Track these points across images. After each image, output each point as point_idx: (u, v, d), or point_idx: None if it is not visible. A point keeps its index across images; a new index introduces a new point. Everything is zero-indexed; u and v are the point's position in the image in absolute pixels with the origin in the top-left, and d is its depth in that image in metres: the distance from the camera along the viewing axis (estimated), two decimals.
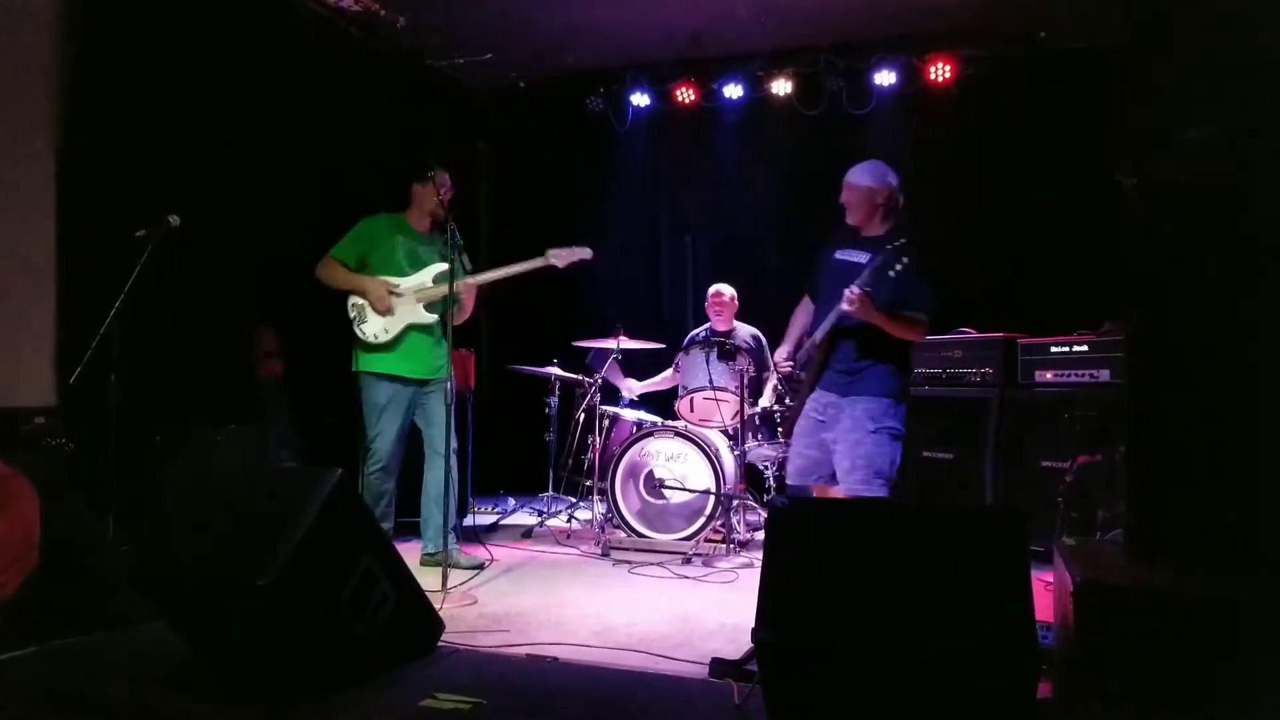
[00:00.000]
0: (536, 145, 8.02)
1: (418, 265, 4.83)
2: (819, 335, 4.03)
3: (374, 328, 4.73)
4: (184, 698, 2.76)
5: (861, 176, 4.07)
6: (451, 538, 4.72)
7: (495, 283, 4.93)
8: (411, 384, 4.80)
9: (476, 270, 4.88)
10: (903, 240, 3.79)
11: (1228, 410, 2.18)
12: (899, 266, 3.76)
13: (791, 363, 4.28)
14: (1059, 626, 2.73)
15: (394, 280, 4.75)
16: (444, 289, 4.61)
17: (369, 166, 5.24)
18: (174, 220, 4.03)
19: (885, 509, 3.15)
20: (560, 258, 4.82)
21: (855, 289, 3.74)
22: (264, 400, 5.44)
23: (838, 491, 3.99)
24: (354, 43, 6.41)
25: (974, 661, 2.05)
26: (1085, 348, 4.99)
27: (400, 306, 4.75)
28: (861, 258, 3.92)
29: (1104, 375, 4.93)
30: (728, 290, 6.36)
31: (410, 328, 4.75)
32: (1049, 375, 5.09)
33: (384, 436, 4.75)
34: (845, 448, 3.93)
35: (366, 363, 4.77)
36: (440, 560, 4.44)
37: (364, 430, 4.80)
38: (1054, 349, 5.08)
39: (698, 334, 6.37)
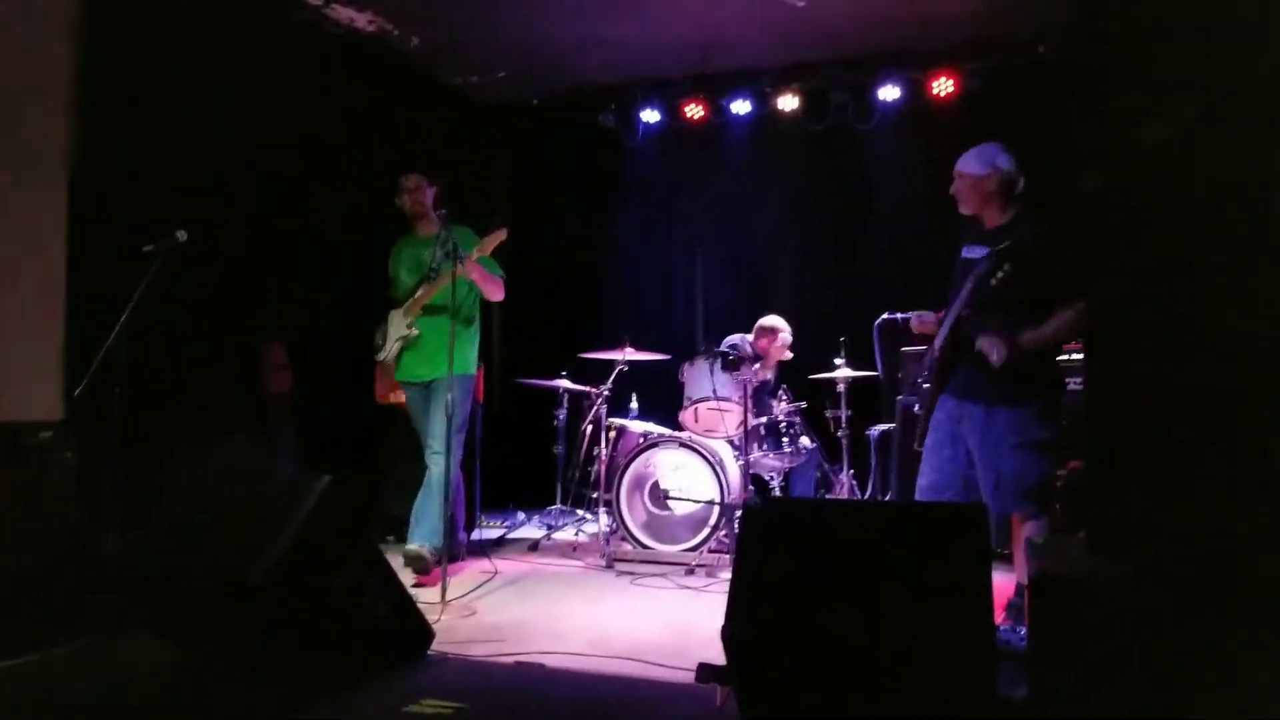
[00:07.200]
0: (550, 160, 8.14)
1: (419, 269, 4.97)
2: (938, 342, 3.70)
3: (381, 353, 5.00)
4: (174, 704, 2.82)
5: (967, 163, 3.74)
6: (427, 548, 4.68)
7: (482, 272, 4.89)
8: (414, 388, 4.97)
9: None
10: (1005, 244, 3.49)
11: (1182, 404, 2.21)
12: (1003, 272, 3.41)
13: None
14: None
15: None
16: (423, 299, 4.85)
17: (383, 182, 5.31)
18: (182, 235, 4.06)
19: (853, 507, 3.16)
20: (484, 246, 4.78)
21: (993, 350, 3.42)
22: (271, 414, 5.52)
23: None
24: (369, 61, 6.51)
25: (932, 653, 2.08)
26: (1081, 356, 4.98)
27: (391, 325, 4.98)
28: (983, 252, 3.62)
29: None
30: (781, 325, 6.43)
31: (400, 341, 4.94)
32: None
33: (421, 438, 4.95)
34: (987, 464, 3.56)
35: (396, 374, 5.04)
36: (414, 555, 4.62)
37: None
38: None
39: (740, 342, 6.41)
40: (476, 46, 6.69)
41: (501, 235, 4.78)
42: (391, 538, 5.40)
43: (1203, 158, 2.19)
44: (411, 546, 4.69)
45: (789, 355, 6.43)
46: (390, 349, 4.95)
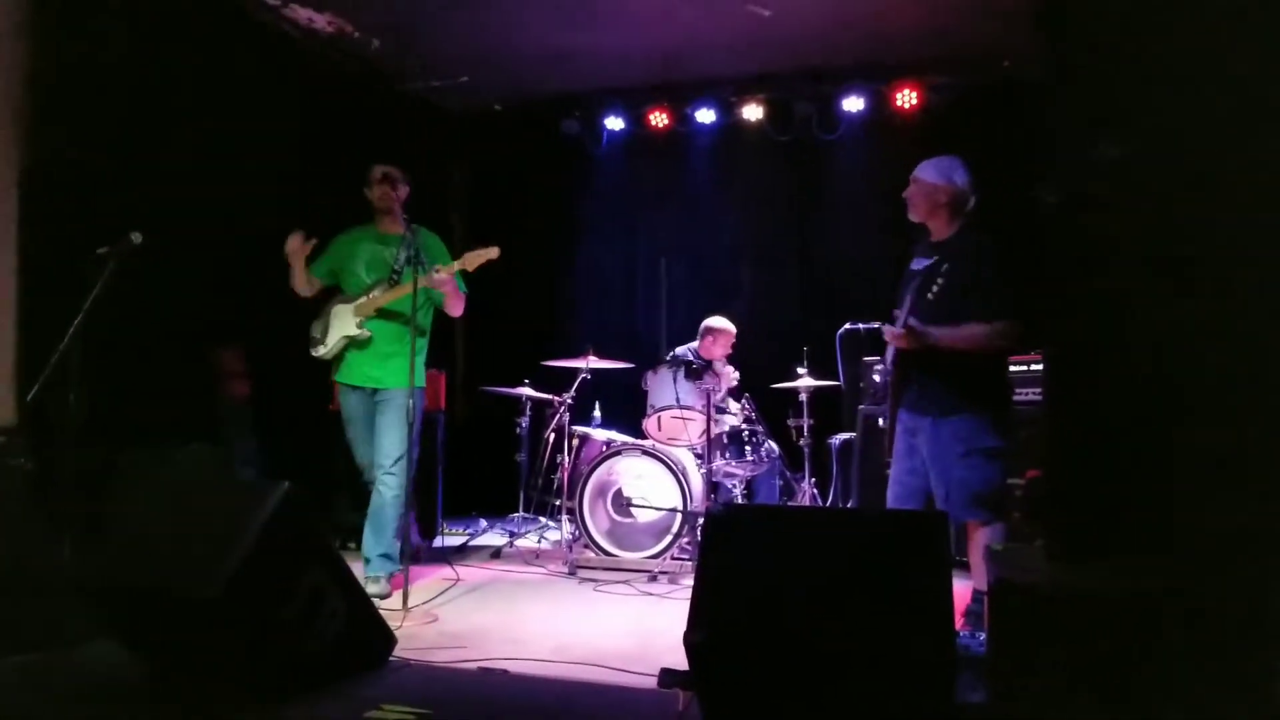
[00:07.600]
0: (512, 166, 8.11)
1: (379, 268, 4.75)
2: (889, 358, 3.75)
3: (320, 348, 4.77)
4: (132, 714, 2.79)
5: (925, 170, 3.78)
6: (384, 577, 4.54)
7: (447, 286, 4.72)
8: (363, 393, 4.72)
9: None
10: (937, 258, 3.60)
11: (1140, 414, 2.26)
12: (938, 284, 3.52)
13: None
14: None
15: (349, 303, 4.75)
16: (379, 300, 4.64)
17: (341, 186, 5.28)
18: (136, 238, 3.97)
19: (814, 515, 3.19)
20: (469, 261, 4.63)
21: (892, 330, 3.54)
22: (228, 420, 5.45)
23: None
24: (328, 64, 6.47)
25: (893, 658, 2.10)
26: (1039, 366, 5.05)
27: (336, 320, 4.72)
28: (925, 264, 3.69)
29: None
30: (731, 328, 6.38)
31: (345, 340, 4.69)
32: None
33: (354, 445, 4.75)
34: (937, 474, 3.63)
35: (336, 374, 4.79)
36: (376, 593, 4.35)
37: None
38: (1013, 368, 5.12)
39: (683, 353, 6.39)
40: (438, 51, 6.65)
41: (493, 253, 4.61)
42: (352, 544, 5.35)
43: (1161, 172, 2.25)
44: (374, 589, 4.40)
45: (726, 355, 6.38)
46: (332, 346, 4.70)
